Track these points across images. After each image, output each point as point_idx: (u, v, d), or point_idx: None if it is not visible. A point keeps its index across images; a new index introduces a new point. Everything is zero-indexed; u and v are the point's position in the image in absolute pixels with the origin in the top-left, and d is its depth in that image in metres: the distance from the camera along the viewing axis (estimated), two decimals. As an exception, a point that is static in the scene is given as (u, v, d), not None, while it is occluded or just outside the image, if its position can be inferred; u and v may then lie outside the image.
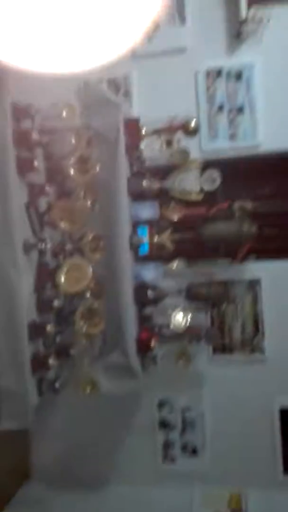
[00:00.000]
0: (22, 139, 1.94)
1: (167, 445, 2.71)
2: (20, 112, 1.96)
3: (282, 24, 2.46)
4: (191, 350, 2.25)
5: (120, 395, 2.14)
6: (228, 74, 2.54)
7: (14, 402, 1.84)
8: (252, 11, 2.43)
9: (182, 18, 2.57)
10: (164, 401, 2.71)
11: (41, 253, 2.03)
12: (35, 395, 1.92)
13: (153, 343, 2.17)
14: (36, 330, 1.95)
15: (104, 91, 2.06)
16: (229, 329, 2.60)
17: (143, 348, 2.16)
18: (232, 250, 2.36)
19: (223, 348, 2.60)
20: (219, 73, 2.54)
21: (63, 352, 2.03)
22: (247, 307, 2.58)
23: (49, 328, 1.98)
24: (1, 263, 1.84)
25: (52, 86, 2.60)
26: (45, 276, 1.99)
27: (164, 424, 2.72)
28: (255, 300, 2.57)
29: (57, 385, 2.00)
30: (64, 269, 1.99)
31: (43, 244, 2.02)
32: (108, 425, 2.74)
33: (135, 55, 2.62)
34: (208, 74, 2.56)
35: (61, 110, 2.08)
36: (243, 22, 2.41)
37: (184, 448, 2.68)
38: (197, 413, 2.67)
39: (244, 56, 2.54)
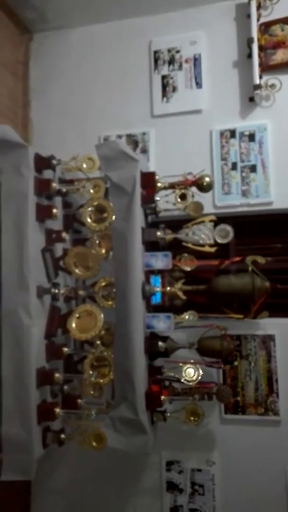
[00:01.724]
0: (43, 188, 2.02)
1: (175, 510, 2.53)
2: (43, 163, 2.06)
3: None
4: (202, 407, 2.15)
5: (127, 451, 2.03)
6: (242, 135, 2.66)
7: (18, 452, 1.76)
8: (264, 78, 2.60)
9: (199, 83, 2.74)
10: (173, 460, 2.56)
11: (54, 298, 2.04)
12: (40, 446, 1.84)
13: (163, 398, 2.09)
14: (44, 378, 1.91)
15: (123, 146, 2.15)
16: (242, 387, 2.51)
17: (153, 402, 2.08)
18: (245, 304, 2.34)
19: (235, 407, 2.50)
20: (233, 133, 2.67)
21: (70, 402, 1.97)
22: (261, 364, 2.50)
23: (58, 376, 1.94)
24: (14, 307, 1.85)
25: (74, 139, 2.79)
26: (56, 321, 1.99)
27: (172, 486, 2.55)
28: (269, 357, 2.50)
29: (62, 436, 1.92)
30: (76, 314, 1.99)
31: (57, 289, 2.04)
32: (113, 483, 2.58)
33: (153, 115, 2.80)
34: (222, 134, 2.68)
35: (82, 163, 2.19)
36: (256, 88, 2.56)
37: (193, 514, 2.50)
38: (207, 476, 2.51)
39: (257, 118, 2.67)
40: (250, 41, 2.57)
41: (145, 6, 2.82)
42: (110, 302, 2.17)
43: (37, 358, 1.90)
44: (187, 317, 2.28)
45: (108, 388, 2.16)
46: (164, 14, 2.85)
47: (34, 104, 3.04)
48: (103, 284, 2.20)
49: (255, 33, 2.57)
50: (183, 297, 2.23)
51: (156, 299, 2.22)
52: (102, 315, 1.99)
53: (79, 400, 2.08)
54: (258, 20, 2.61)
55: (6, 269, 1.91)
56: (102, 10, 2.87)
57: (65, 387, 2.08)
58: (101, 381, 2.02)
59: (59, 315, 2.03)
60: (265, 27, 2.63)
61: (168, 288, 2.23)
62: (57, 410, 1.96)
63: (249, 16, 2.60)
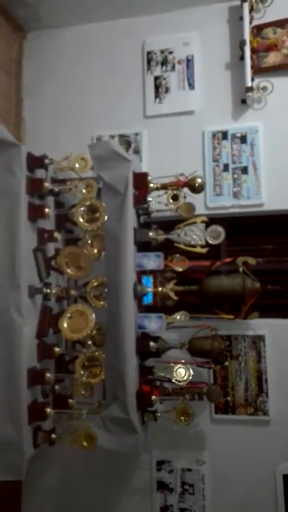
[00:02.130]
0: (35, 187, 2.02)
1: (165, 509, 2.54)
2: (35, 162, 2.06)
3: (284, 91, 2.64)
4: (192, 407, 2.17)
5: (117, 451, 2.03)
6: (233, 136, 2.68)
7: (9, 452, 1.75)
8: (256, 80, 2.62)
9: (192, 84, 2.76)
10: (163, 460, 2.57)
11: (46, 297, 2.04)
12: (31, 445, 1.83)
13: (154, 398, 2.10)
14: (35, 378, 1.90)
15: (116, 146, 2.15)
16: (232, 387, 2.52)
17: (144, 402, 2.08)
18: (235, 305, 2.36)
19: (225, 406, 2.51)
20: (225, 135, 2.69)
21: (61, 402, 1.97)
22: (251, 364, 2.52)
23: (49, 375, 1.93)
24: (5, 306, 1.84)
25: (66, 139, 2.79)
26: (48, 321, 1.98)
27: (162, 485, 2.56)
28: (259, 358, 2.52)
29: (53, 436, 1.91)
30: (68, 314, 1.98)
31: (48, 289, 2.03)
32: (104, 483, 2.58)
33: (146, 116, 2.81)
34: (214, 135, 2.70)
35: (74, 162, 2.18)
36: (248, 90, 2.58)
37: (182, 514, 2.52)
38: (197, 476, 2.52)
39: (249, 120, 2.69)
40: (242, 43, 2.59)
41: (139, 7, 2.83)
42: (102, 302, 2.17)
43: (29, 358, 1.89)
44: (178, 317, 2.29)
45: (99, 388, 2.16)
46: (158, 14, 2.85)
47: (27, 103, 3.03)
48: (95, 284, 2.21)
49: (247, 36, 2.58)
50: (175, 297, 2.24)
51: (148, 300, 2.23)
52: (93, 315, 1.99)
53: (70, 400, 2.08)
54: (250, 22, 2.63)
55: (-1, 270, 1.90)
56: (95, 10, 2.86)
57: (56, 387, 2.08)
58: (92, 381, 2.02)
59: (50, 314, 2.03)
60: (258, 30, 2.65)
61: (160, 289, 2.24)
62: (48, 410, 1.96)
63: (241, 18, 2.62)
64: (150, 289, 2.22)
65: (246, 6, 2.58)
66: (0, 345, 1.85)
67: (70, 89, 2.95)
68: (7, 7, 2.87)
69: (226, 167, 2.67)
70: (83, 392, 2.08)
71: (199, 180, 2.30)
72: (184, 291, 2.30)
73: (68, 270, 2.08)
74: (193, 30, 2.79)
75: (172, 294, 2.23)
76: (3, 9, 2.88)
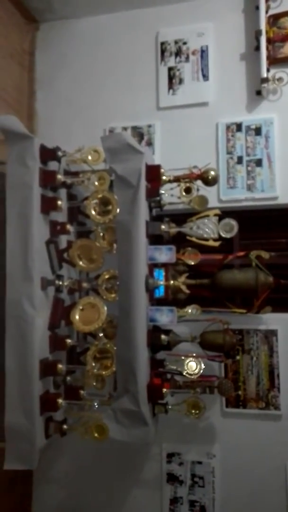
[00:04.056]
0: (48, 179, 2.02)
1: (174, 501, 2.56)
2: (48, 154, 2.06)
3: (300, 83, 2.59)
4: (203, 401, 2.16)
5: (128, 443, 2.05)
6: (248, 128, 2.64)
7: (21, 442, 1.77)
8: (272, 71, 2.57)
9: (206, 75, 2.72)
10: (173, 452, 2.58)
11: (58, 289, 2.05)
12: (43, 436, 1.85)
13: (164, 390, 2.10)
14: (47, 369, 1.92)
15: (128, 138, 2.14)
16: (243, 381, 2.51)
17: (154, 395, 2.09)
18: (248, 299, 2.34)
19: (236, 400, 2.51)
20: (239, 127, 2.65)
21: (73, 393, 1.98)
22: (263, 358, 2.51)
23: (60, 367, 1.94)
24: (18, 298, 1.85)
25: (79, 130, 2.78)
26: (60, 313, 1.99)
27: (172, 477, 2.57)
28: (271, 352, 2.50)
29: (65, 427, 1.93)
30: (79, 307, 1.99)
31: (60, 281, 2.04)
32: (114, 474, 2.61)
33: (159, 107, 2.78)
34: (228, 127, 2.66)
35: (87, 155, 2.18)
36: (263, 81, 2.54)
37: (192, 506, 2.52)
38: (207, 469, 2.53)
39: (264, 112, 2.64)
40: (258, 33, 2.54)
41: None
42: (113, 295, 2.17)
43: (41, 349, 1.91)
44: (190, 310, 2.28)
45: (110, 380, 2.17)
46: (172, 5, 2.82)
47: (39, 95, 3.03)
48: (107, 276, 2.21)
49: (263, 26, 2.53)
50: (187, 291, 2.23)
51: (160, 293, 2.22)
52: (105, 308, 1.99)
53: (82, 391, 2.09)
54: (266, 12, 2.57)
55: (11, 260, 1.91)
56: (109, 0, 2.84)
57: (68, 378, 2.10)
58: (104, 373, 2.03)
59: (62, 306, 2.04)
60: (274, 20, 2.60)
61: (172, 282, 2.23)
62: (60, 400, 1.98)
63: (257, 7, 2.56)
64: (161, 282, 2.21)
65: (262, -2, 2.52)
66: (12, 336, 1.87)
67: (82, 81, 2.94)
68: (20, -2, 2.87)
69: (240, 160, 2.64)
70: (94, 383, 2.09)
71: (212, 173, 2.28)
72: (196, 285, 2.29)
73: (80, 263, 2.08)
74: (208, 20, 2.74)
75: (184, 288, 2.22)
76: (17, 1, 2.87)
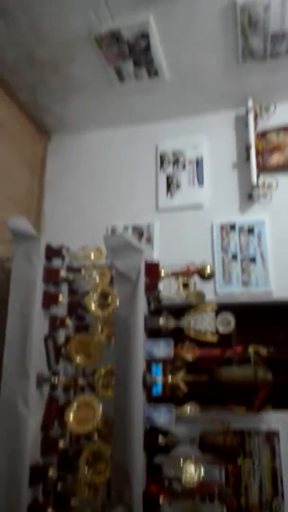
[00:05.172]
0: (51, 276, 2.10)
1: None
2: (53, 253, 2.17)
3: (288, 188, 2.82)
4: (202, 510, 2.01)
5: None
6: (241, 228, 2.81)
7: None
8: (262, 177, 2.81)
9: (201, 181, 2.96)
10: None
11: (53, 387, 2.01)
12: None
13: (161, 500, 1.96)
14: (37, 475, 1.82)
15: (129, 237, 2.27)
16: (245, 488, 2.36)
17: (150, 504, 1.94)
18: (247, 397, 2.29)
19: (238, 509, 2.32)
20: (232, 227, 2.82)
21: (63, 503, 1.85)
22: (265, 462, 2.38)
23: (51, 472, 1.84)
24: (13, 397, 1.82)
25: (83, 228, 2.95)
26: (54, 412, 1.93)
27: None
28: (273, 455, 2.38)
29: None
30: (74, 406, 1.94)
31: (56, 378, 2.02)
32: None
33: (158, 208, 2.99)
34: (222, 227, 2.84)
35: (90, 252, 2.29)
36: (254, 187, 2.76)
37: None
38: None
39: (256, 214, 2.84)
40: (248, 147, 2.82)
41: (153, 114, 3.15)
42: (110, 393, 2.13)
43: (32, 452, 1.82)
44: (188, 409, 2.22)
45: (104, 485, 2.03)
46: (170, 120, 3.16)
47: (47, 196, 3.26)
48: (103, 372, 2.18)
49: (252, 141, 2.83)
50: (185, 390, 2.18)
51: (157, 390, 2.18)
52: (100, 407, 1.94)
53: (73, 499, 1.95)
54: (255, 128, 2.88)
55: (8, 356, 1.91)
56: (114, 117, 3.19)
57: (59, 484, 1.97)
58: (97, 480, 1.91)
59: (57, 405, 1.98)
60: (262, 135, 2.90)
61: (170, 379, 2.20)
62: (49, 510, 1.84)
63: (247, 125, 2.88)
64: (160, 379, 2.18)
65: (251, 116, 2.85)
66: (4, 438, 1.80)
67: (88, 185, 3.19)
68: (35, 114, 3.21)
69: (234, 257, 2.76)
70: (86, 491, 1.96)
71: (208, 270, 2.37)
72: (195, 382, 2.25)
73: (78, 359, 2.07)
74: (202, 134, 3.07)
75: (182, 385, 2.19)
76: (31, 115, 3.22)
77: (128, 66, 2.66)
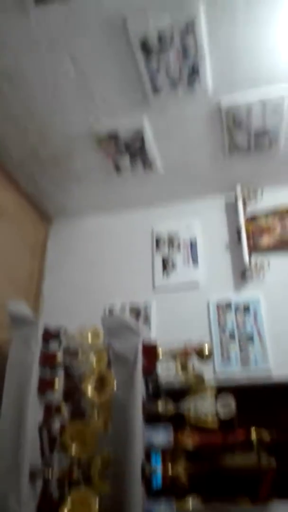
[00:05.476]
0: (47, 361, 2.10)
1: None
2: (50, 335, 2.18)
3: (279, 267, 2.91)
4: None
5: None
6: (237, 307, 2.85)
7: None
8: (254, 257, 2.90)
9: (196, 260, 3.07)
10: None
11: (46, 482, 1.90)
12: None
13: None
14: None
15: (126, 319, 2.30)
16: None
17: None
18: (251, 487, 2.17)
19: None
20: (228, 305, 2.86)
21: None
22: None
23: None
24: (4, 492, 1.72)
25: (81, 309, 2.99)
26: (47, 510, 1.81)
27: None
28: None
29: None
30: (68, 503, 1.81)
31: (50, 472, 1.91)
32: None
33: (155, 288, 3.05)
34: (218, 306, 2.88)
35: (87, 333, 2.31)
36: (247, 267, 2.85)
37: None
38: None
39: (250, 292, 2.89)
40: (239, 231, 2.97)
41: (148, 200, 3.35)
42: (107, 486, 2.00)
43: None
44: (190, 503, 2.08)
45: None
46: (164, 205, 3.34)
47: (47, 278, 3.34)
48: (100, 463, 2.07)
49: (242, 225, 2.97)
50: (186, 480, 2.07)
51: (157, 483, 2.05)
52: (97, 503, 1.82)
53: None
54: (244, 212, 3.05)
55: (0, 448, 1.84)
56: (112, 204, 3.39)
57: None
58: None
59: (50, 503, 1.86)
60: (252, 219, 3.06)
61: (170, 469, 2.09)
62: None
63: (236, 210, 3.05)
64: (159, 469, 2.07)
65: (240, 202, 3.04)
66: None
67: (87, 267, 3.29)
68: (37, 201, 3.40)
69: (232, 336, 2.77)
70: None
71: (206, 351, 2.36)
72: (196, 472, 2.14)
73: (73, 448, 1.98)
74: (195, 217, 3.24)
75: (183, 477, 2.07)
76: (34, 203, 3.40)
77: (125, 160, 2.89)
